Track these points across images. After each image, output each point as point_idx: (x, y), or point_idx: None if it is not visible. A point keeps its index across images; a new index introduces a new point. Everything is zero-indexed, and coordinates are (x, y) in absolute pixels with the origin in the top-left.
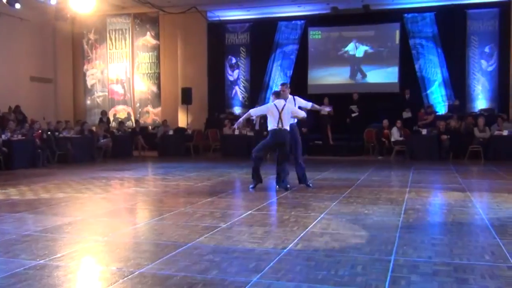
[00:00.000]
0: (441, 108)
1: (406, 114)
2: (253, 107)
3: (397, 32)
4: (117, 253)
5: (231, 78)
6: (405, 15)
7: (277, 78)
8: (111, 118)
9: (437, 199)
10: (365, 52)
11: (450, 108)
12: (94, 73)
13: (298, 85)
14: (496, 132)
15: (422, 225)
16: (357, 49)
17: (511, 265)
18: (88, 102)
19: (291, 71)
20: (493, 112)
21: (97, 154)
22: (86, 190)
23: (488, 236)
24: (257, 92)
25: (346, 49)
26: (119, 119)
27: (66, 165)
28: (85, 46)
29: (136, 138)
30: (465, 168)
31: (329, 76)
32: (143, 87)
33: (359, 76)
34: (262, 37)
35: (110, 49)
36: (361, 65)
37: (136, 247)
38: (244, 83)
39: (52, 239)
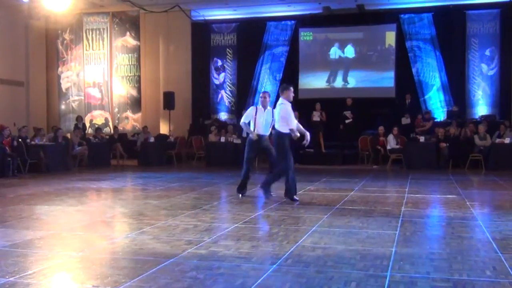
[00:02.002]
0: (440, 115)
1: (405, 120)
2: (240, 112)
3: (393, 34)
4: (93, 269)
5: (216, 82)
6: (402, 15)
7: (266, 81)
8: (87, 124)
9: (435, 211)
10: (359, 54)
11: (449, 114)
12: (69, 76)
13: None
14: (498, 140)
15: (420, 239)
16: (350, 52)
17: None
18: (63, 107)
19: (281, 75)
20: (494, 119)
21: (72, 163)
22: (59, 201)
23: (489, 250)
24: (244, 97)
25: (339, 51)
26: (96, 125)
27: (38, 174)
28: (60, 47)
29: (114, 146)
30: (465, 177)
31: (321, 80)
32: (122, 91)
33: (352, 80)
34: (249, 38)
35: (86, 50)
36: (355, 69)
37: (113, 263)
38: (230, 87)
39: (22, 255)
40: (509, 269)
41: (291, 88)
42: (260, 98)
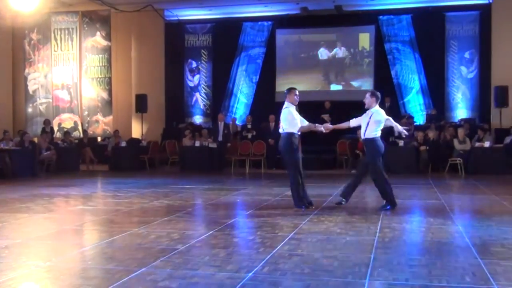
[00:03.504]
0: (419, 118)
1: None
2: (215, 115)
3: (372, 36)
4: (61, 280)
5: (191, 84)
6: (380, 17)
7: (242, 84)
8: (56, 128)
9: (414, 217)
10: (337, 56)
11: (428, 117)
12: (36, 78)
13: (265, 92)
14: (477, 144)
15: (399, 245)
16: (329, 53)
17: (493, 287)
18: (30, 110)
19: (258, 77)
20: (473, 122)
21: (39, 168)
22: (26, 209)
23: (468, 256)
24: (220, 100)
25: (317, 53)
26: (65, 129)
27: (3, 180)
28: (27, 47)
29: (84, 150)
30: (444, 182)
31: (298, 83)
32: (92, 93)
33: (331, 82)
34: (225, 39)
35: (55, 51)
36: (333, 71)
37: (83, 273)
38: (205, 90)
39: None
40: (489, 275)
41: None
42: (295, 97)
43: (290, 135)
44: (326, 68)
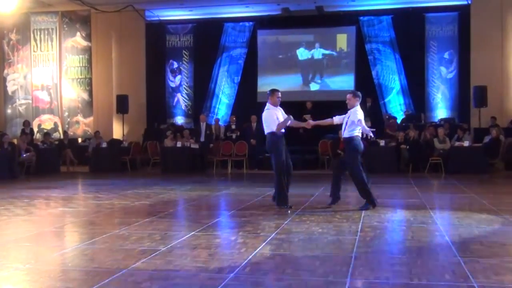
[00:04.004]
0: (400, 118)
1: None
2: (197, 116)
3: (350, 37)
4: (41, 282)
5: (172, 85)
6: (361, 18)
7: (224, 84)
8: (35, 129)
9: (395, 216)
10: (319, 57)
11: (407, 117)
12: (15, 78)
13: (247, 92)
14: (457, 143)
15: (380, 244)
16: (310, 54)
17: (472, 284)
18: (9, 111)
19: (239, 77)
20: (453, 122)
21: (19, 170)
22: (5, 211)
23: (448, 254)
24: (201, 100)
25: (298, 53)
26: (45, 130)
27: None
28: (6, 48)
29: (64, 152)
30: (425, 181)
31: (280, 83)
32: (73, 94)
33: (312, 83)
34: (206, 39)
35: (34, 51)
36: (314, 71)
37: (63, 275)
38: (187, 90)
39: None
40: (468, 273)
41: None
42: (277, 98)
43: (271, 135)
44: (305, 69)
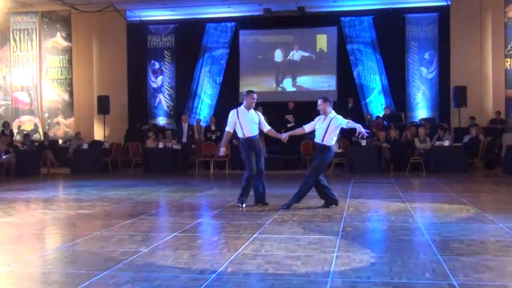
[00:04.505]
0: (381, 114)
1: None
2: (179, 117)
3: (334, 37)
4: (22, 284)
5: (154, 85)
6: (342, 18)
7: (206, 85)
8: (15, 131)
9: (376, 215)
10: (301, 57)
11: (389, 117)
12: None
13: (229, 93)
14: (437, 143)
15: (361, 243)
16: (292, 54)
17: (452, 282)
18: None
19: (221, 78)
20: (434, 122)
21: None
22: None
23: (428, 252)
24: (183, 101)
25: (280, 53)
26: (25, 132)
27: None
28: None
29: (45, 153)
30: (406, 180)
31: (262, 83)
32: (53, 95)
33: (294, 83)
34: (188, 40)
35: (14, 52)
36: (297, 72)
37: (43, 277)
38: (169, 91)
39: None
40: (448, 271)
41: (253, 95)
42: (252, 100)
43: (240, 139)
44: (286, 69)
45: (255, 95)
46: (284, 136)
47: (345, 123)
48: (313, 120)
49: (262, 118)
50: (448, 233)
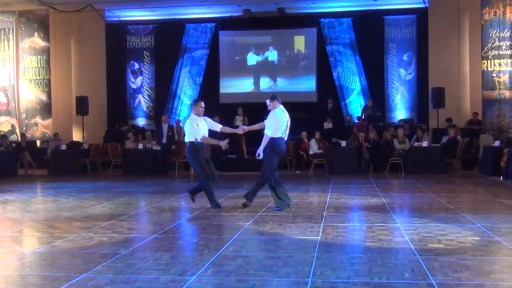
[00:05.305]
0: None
1: (327, 125)
2: (159, 118)
3: (312, 38)
4: None
5: (133, 86)
6: (322, 20)
7: (186, 85)
8: None
9: (356, 215)
10: (280, 58)
11: (368, 118)
12: None
13: (209, 93)
14: (416, 144)
15: (341, 244)
16: (272, 55)
17: (431, 282)
18: None
19: (201, 78)
20: (412, 123)
21: None
22: None
23: (407, 252)
24: (163, 102)
25: (260, 54)
26: (1, 133)
27: None
28: None
29: (22, 155)
30: (385, 181)
31: (242, 84)
32: (30, 95)
33: (274, 84)
34: (168, 40)
35: None
36: (276, 72)
37: (21, 280)
38: (148, 92)
39: None
40: (427, 271)
41: (201, 104)
42: (200, 108)
43: (190, 144)
44: (265, 70)
45: (202, 103)
46: (240, 129)
47: (266, 129)
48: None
49: (211, 120)
50: (426, 233)
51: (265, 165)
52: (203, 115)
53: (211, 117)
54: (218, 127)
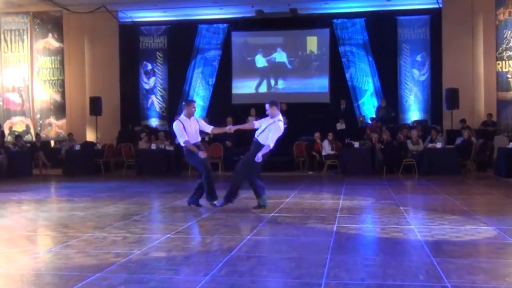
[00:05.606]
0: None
1: (340, 126)
2: (172, 118)
3: (325, 39)
4: (14, 286)
5: (146, 87)
6: (334, 20)
7: (198, 86)
8: (7, 132)
9: (370, 217)
10: (293, 58)
11: (382, 120)
12: None
13: (221, 94)
14: (430, 145)
15: (355, 245)
16: (284, 56)
17: (445, 284)
18: None
19: (214, 79)
20: (426, 124)
21: None
22: None
23: (422, 254)
24: (176, 102)
25: (272, 55)
26: (16, 133)
27: None
28: None
29: (37, 155)
30: (398, 183)
31: (254, 85)
32: (45, 95)
33: (287, 85)
34: (180, 41)
35: (5, 52)
36: (289, 73)
37: (36, 279)
38: (161, 92)
39: None
40: (441, 273)
41: (194, 104)
42: (192, 109)
43: (185, 146)
44: (282, 70)
45: (195, 103)
46: (229, 127)
47: (269, 139)
48: (306, 122)
49: (202, 121)
50: (441, 235)
51: (245, 163)
52: (194, 116)
53: (208, 119)
54: (209, 128)
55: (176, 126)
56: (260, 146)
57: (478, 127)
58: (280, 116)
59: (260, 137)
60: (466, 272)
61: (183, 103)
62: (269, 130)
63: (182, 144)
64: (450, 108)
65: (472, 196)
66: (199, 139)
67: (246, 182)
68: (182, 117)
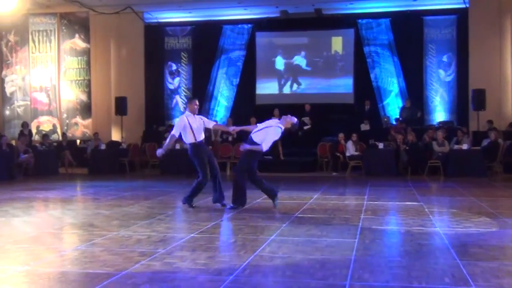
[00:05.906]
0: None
1: (365, 127)
2: None
3: (350, 39)
4: (40, 284)
5: (171, 87)
6: (359, 20)
7: (222, 86)
8: (34, 131)
9: (394, 219)
10: (318, 59)
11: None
12: (14, 80)
13: (245, 94)
14: (456, 146)
15: (379, 247)
16: (309, 56)
17: (471, 287)
18: (7, 112)
19: (238, 79)
20: (452, 125)
21: (17, 171)
22: (3, 212)
23: (447, 257)
24: (200, 102)
25: (297, 56)
26: (43, 132)
27: None
28: (4, 49)
29: (63, 154)
30: (423, 184)
31: (279, 85)
32: (71, 95)
33: (311, 85)
34: (205, 41)
35: (32, 53)
36: (313, 74)
37: (62, 277)
38: (185, 92)
39: None
40: (467, 276)
41: (195, 102)
42: (195, 106)
43: (191, 144)
44: (305, 71)
45: (196, 101)
46: (232, 129)
47: (266, 142)
48: (329, 123)
49: (205, 118)
50: (467, 237)
51: (242, 166)
52: (198, 114)
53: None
54: (211, 124)
55: (178, 119)
56: (253, 143)
57: (505, 129)
58: (279, 123)
59: (255, 135)
60: (493, 275)
61: (186, 100)
62: (266, 133)
63: (167, 140)
64: (477, 109)
65: (498, 199)
66: (203, 136)
67: (251, 184)
68: (187, 113)
